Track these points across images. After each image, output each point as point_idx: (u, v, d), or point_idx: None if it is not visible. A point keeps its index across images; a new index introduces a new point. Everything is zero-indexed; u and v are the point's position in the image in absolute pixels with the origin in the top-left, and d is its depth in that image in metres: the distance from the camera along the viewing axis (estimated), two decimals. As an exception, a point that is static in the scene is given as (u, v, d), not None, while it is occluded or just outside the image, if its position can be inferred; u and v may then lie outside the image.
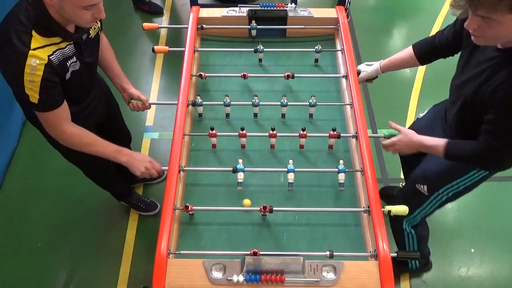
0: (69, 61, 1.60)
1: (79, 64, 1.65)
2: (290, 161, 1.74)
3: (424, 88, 3.35)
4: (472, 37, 1.43)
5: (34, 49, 1.46)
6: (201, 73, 2.07)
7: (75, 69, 1.64)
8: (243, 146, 1.92)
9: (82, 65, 1.67)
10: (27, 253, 2.55)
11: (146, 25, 2.24)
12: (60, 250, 2.56)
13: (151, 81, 3.37)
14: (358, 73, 2.09)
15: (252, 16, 2.26)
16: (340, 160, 1.76)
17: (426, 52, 1.92)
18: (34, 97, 1.51)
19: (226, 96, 1.95)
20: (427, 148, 1.70)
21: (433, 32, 3.73)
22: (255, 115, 2.02)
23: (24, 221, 2.67)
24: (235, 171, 1.73)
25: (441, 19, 3.84)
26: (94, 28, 1.73)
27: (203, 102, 1.99)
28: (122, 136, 2.42)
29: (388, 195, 2.55)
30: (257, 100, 1.95)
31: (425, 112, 2.10)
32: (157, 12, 3.85)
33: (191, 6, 2.70)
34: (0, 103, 2.76)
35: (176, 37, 3.70)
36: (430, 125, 1.96)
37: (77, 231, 2.63)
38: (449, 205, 2.42)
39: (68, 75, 1.61)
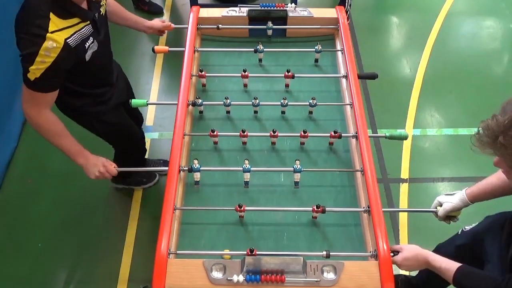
0: (87, 43, 1.61)
1: (97, 44, 1.67)
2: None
3: (424, 88, 3.35)
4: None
5: (52, 32, 1.47)
6: (201, 68, 2.08)
7: (94, 50, 1.66)
8: (244, 143, 1.93)
9: (100, 45, 1.69)
10: (27, 253, 2.54)
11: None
12: (60, 250, 2.56)
13: (151, 81, 3.36)
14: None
15: (252, 16, 2.26)
16: (296, 161, 1.74)
17: None
18: (34, 74, 1.51)
19: (226, 98, 1.95)
20: (434, 268, 1.46)
21: (433, 32, 3.73)
22: (255, 112, 2.03)
23: (24, 221, 2.67)
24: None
25: (441, 19, 3.84)
26: (103, 5, 1.75)
27: (203, 102, 1.99)
28: (138, 115, 2.50)
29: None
30: (257, 101, 1.96)
31: (472, 226, 1.77)
32: (157, 12, 3.85)
33: (191, 6, 2.70)
34: (0, 103, 2.76)
35: (176, 37, 3.69)
36: (487, 235, 1.65)
37: (77, 231, 2.62)
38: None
39: (88, 57, 1.63)
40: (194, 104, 1.95)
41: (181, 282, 1.46)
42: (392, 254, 1.52)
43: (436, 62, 3.51)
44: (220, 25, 2.24)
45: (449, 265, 1.42)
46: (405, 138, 1.93)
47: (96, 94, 1.92)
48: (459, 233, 1.83)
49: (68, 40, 1.52)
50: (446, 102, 3.27)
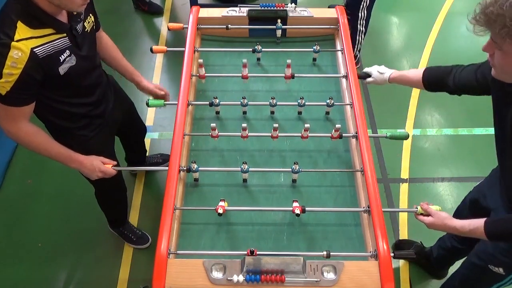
0: (62, 55, 1.55)
1: (75, 59, 1.60)
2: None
3: (424, 88, 3.35)
4: (492, 71, 1.36)
5: (17, 41, 1.42)
6: (200, 63, 2.05)
7: (72, 64, 1.60)
8: (244, 112, 1.95)
9: (80, 60, 1.63)
10: (27, 253, 2.55)
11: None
12: (60, 250, 2.56)
13: (151, 81, 3.36)
14: (364, 74, 2.03)
15: (252, 16, 2.26)
16: (295, 164, 1.74)
17: (435, 83, 1.79)
18: (4, 88, 1.45)
19: (243, 98, 1.95)
20: (465, 234, 1.52)
21: (433, 32, 3.73)
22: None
23: (24, 221, 2.67)
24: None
25: (441, 19, 3.84)
26: (89, 22, 1.69)
27: (201, 102, 1.99)
28: (139, 132, 2.48)
29: (421, 255, 2.41)
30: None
31: (481, 181, 1.93)
32: (157, 12, 3.86)
33: (191, 6, 2.70)
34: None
35: (176, 37, 3.70)
36: (488, 189, 1.80)
37: (77, 230, 2.63)
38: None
39: (62, 70, 1.57)
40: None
41: (181, 282, 1.46)
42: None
43: (436, 62, 3.49)
44: (229, 25, 2.22)
45: (476, 225, 1.47)
46: (406, 138, 1.93)
47: (76, 115, 1.80)
48: (472, 190, 1.97)
49: (35, 50, 1.45)
50: (446, 102, 3.27)
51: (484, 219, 1.46)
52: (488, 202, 1.76)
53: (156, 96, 2.10)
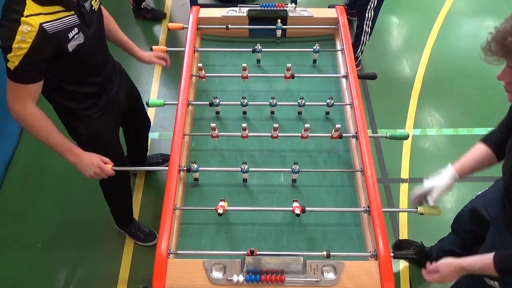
0: (70, 32, 1.57)
1: (83, 36, 1.63)
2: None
3: (424, 88, 3.35)
4: (506, 94, 1.32)
5: (27, 16, 1.44)
6: (199, 66, 2.06)
7: (80, 42, 1.62)
8: (244, 112, 1.96)
9: (88, 38, 1.65)
10: (27, 253, 2.54)
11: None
12: (60, 250, 2.56)
13: (151, 81, 3.37)
14: (419, 200, 1.71)
15: (252, 16, 2.26)
16: (295, 164, 1.74)
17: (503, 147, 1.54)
18: (13, 63, 1.47)
19: (243, 98, 1.95)
20: (474, 272, 1.46)
21: (433, 32, 3.73)
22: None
23: (24, 221, 2.67)
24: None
25: (441, 19, 3.84)
26: (96, 0, 1.72)
27: (201, 102, 1.99)
28: (144, 124, 2.48)
29: (422, 255, 2.33)
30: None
31: (484, 190, 1.85)
32: (160, 18, 3.80)
33: (191, 6, 2.71)
34: (0, 103, 2.75)
35: (176, 37, 3.69)
36: (490, 201, 1.73)
37: (77, 230, 2.62)
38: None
39: (71, 47, 1.59)
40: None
41: (181, 282, 1.46)
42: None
43: (436, 62, 3.51)
44: (229, 25, 2.23)
45: (484, 261, 1.42)
46: (406, 138, 1.93)
47: (84, 95, 1.82)
48: (474, 197, 1.89)
49: (44, 25, 1.48)
50: (446, 102, 3.27)
51: (492, 255, 1.41)
52: (491, 214, 1.71)
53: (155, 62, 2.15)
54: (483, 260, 1.43)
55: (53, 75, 1.67)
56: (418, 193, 1.70)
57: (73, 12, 1.58)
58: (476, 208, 1.83)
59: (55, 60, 1.58)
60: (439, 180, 1.64)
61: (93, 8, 1.70)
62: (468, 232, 1.94)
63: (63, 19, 1.55)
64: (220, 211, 1.59)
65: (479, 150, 1.62)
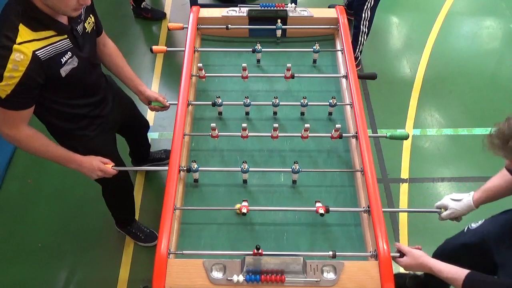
0: (64, 57, 1.55)
1: (77, 60, 1.60)
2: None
3: (424, 88, 3.35)
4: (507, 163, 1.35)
5: (19, 44, 1.41)
6: (199, 67, 2.05)
7: (74, 66, 1.60)
8: (247, 113, 1.96)
9: (81, 62, 1.63)
10: (27, 253, 2.55)
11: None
12: (60, 250, 2.56)
13: (151, 81, 3.37)
14: (441, 212, 1.74)
15: (252, 16, 2.26)
16: (295, 163, 1.74)
17: None
18: (4, 91, 1.44)
19: (245, 97, 1.95)
20: (441, 277, 1.46)
21: (433, 32, 3.73)
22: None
23: (24, 221, 2.67)
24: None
25: (441, 19, 3.84)
26: (89, 23, 1.69)
27: (202, 102, 1.99)
28: (141, 127, 2.48)
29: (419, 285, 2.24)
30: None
31: (479, 223, 1.79)
32: (160, 18, 3.80)
33: (191, 6, 2.70)
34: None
35: (176, 37, 3.70)
36: (496, 242, 1.65)
37: (77, 230, 2.63)
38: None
39: (63, 72, 1.57)
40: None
41: (181, 282, 1.46)
42: (398, 254, 1.56)
43: (436, 62, 3.52)
44: (229, 25, 2.23)
45: (456, 274, 1.41)
46: (406, 138, 1.94)
47: (79, 115, 1.81)
48: (465, 231, 1.85)
49: (37, 52, 1.45)
50: (446, 102, 3.27)
51: (466, 272, 1.39)
52: (496, 258, 1.63)
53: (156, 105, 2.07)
54: (453, 274, 1.42)
55: (46, 99, 1.64)
56: (439, 204, 1.76)
57: (65, 36, 1.55)
58: (474, 245, 1.75)
59: (47, 84, 1.56)
60: (459, 206, 1.68)
61: (86, 30, 1.67)
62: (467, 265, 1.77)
63: (57, 44, 1.52)
64: (244, 210, 1.60)
65: (502, 179, 1.60)
